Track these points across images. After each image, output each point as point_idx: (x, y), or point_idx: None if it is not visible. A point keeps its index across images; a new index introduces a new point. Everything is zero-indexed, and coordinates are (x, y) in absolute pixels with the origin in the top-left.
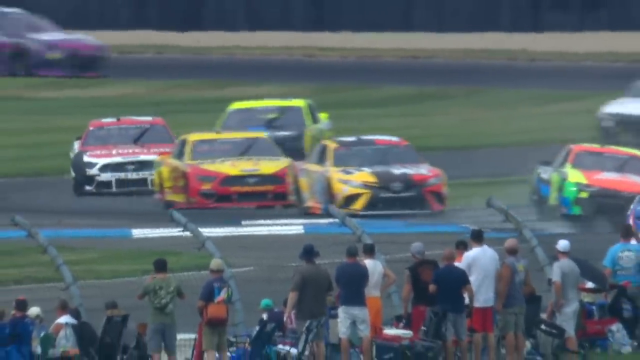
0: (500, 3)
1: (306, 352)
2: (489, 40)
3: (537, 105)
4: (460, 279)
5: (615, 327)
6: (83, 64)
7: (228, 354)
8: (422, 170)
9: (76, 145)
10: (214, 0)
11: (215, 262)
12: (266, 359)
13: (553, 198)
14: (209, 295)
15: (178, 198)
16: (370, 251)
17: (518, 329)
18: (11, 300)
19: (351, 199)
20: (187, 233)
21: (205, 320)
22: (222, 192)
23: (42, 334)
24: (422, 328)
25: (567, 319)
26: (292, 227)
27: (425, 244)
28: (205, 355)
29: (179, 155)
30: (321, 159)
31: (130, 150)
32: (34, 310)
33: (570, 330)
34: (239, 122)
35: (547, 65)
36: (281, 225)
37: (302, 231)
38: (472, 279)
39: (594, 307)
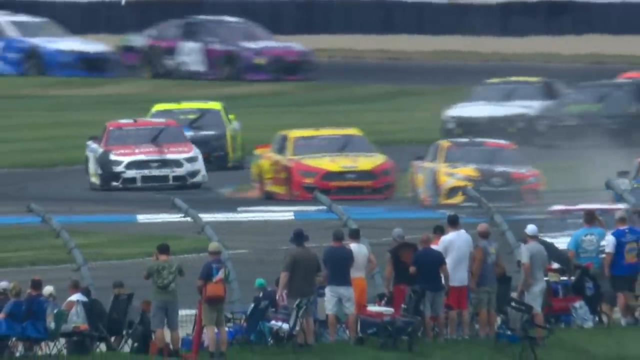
0: (473, 9)
1: (297, 327)
2: (463, 43)
3: None
4: (437, 260)
5: (578, 304)
6: (286, 69)
7: (226, 328)
8: (523, 170)
9: (92, 144)
10: (210, 8)
11: (214, 245)
12: (260, 333)
13: None
14: (207, 275)
15: (279, 189)
16: (355, 235)
17: (490, 306)
18: (27, 280)
19: (454, 190)
20: (188, 219)
21: (205, 298)
22: (322, 186)
23: (55, 311)
24: (403, 305)
25: (534, 297)
26: (284, 213)
27: (405, 229)
28: (205, 330)
29: (280, 150)
30: (435, 157)
31: (152, 149)
32: (47, 289)
33: (537, 307)
34: None
35: (516, 66)
36: (273, 211)
37: (293, 217)
38: (448, 260)
39: (559, 286)
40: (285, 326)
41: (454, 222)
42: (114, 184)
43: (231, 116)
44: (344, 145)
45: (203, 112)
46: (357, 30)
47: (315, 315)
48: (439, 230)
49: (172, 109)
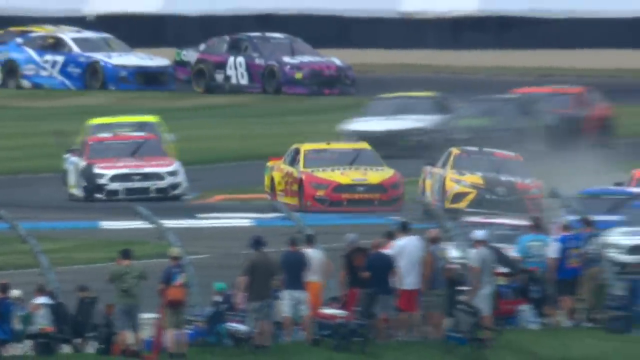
0: (426, 24)
1: (255, 329)
2: (417, 57)
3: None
4: (388, 264)
5: (524, 307)
6: (324, 83)
7: (186, 331)
8: (527, 181)
9: (71, 157)
10: (174, 21)
11: (174, 250)
12: (218, 335)
13: None
14: (168, 280)
15: (290, 201)
16: (310, 241)
17: (440, 309)
18: None
19: (459, 196)
20: (151, 225)
21: (166, 302)
22: (333, 198)
23: (21, 313)
24: (356, 308)
25: (483, 300)
26: (243, 220)
27: (358, 234)
28: (166, 332)
29: (292, 162)
30: (445, 163)
31: (134, 163)
32: (14, 293)
33: (486, 309)
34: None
35: (468, 78)
36: (233, 218)
37: (253, 223)
38: (400, 264)
39: (506, 289)
40: (243, 328)
41: (405, 228)
42: (98, 195)
43: (165, 128)
44: (354, 159)
45: (140, 125)
46: (313, 44)
47: (272, 317)
48: (390, 235)
49: (110, 122)
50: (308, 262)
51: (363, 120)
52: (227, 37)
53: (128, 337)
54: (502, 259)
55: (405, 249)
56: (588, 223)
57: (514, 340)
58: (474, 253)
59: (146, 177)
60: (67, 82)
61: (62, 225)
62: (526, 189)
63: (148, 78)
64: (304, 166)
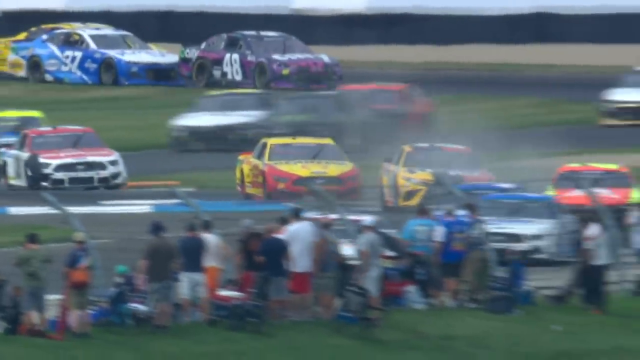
0: (318, 21)
1: (155, 310)
2: None
3: None
4: (282, 248)
5: (410, 288)
6: (311, 79)
7: (89, 311)
8: (476, 173)
9: (9, 151)
10: (77, 20)
11: (79, 235)
12: (121, 315)
13: None
14: (72, 263)
15: (256, 192)
16: (207, 226)
17: (331, 290)
18: None
19: (410, 193)
20: (56, 211)
21: (70, 284)
22: (294, 190)
23: None
24: (251, 290)
25: (371, 282)
26: (143, 206)
27: (254, 220)
28: (71, 312)
29: (259, 155)
30: (397, 161)
31: (77, 153)
32: None
33: (374, 291)
34: None
35: (357, 72)
36: (134, 205)
37: (152, 210)
38: (293, 248)
39: (393, 272)
40: (143, 308)
41: (297, 214)
42: (43, 184)
43: (48, 123)
44: (317, 153)
45: (24, 120)
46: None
47: (171, 298)
48: (283, 221)
49: None
50: (205, 247)
51: (192, 116)
52: (224, 36)
53: (34, 318)
54: (390, 243)
55: (298, 233)
56: (471, 209)
57: (401, 320)
58: (362, 238)
59: (90, 166)
60: (84, 76)
61: None
62: (475, 182)
63: (158, 74)
64: (269, 159)
